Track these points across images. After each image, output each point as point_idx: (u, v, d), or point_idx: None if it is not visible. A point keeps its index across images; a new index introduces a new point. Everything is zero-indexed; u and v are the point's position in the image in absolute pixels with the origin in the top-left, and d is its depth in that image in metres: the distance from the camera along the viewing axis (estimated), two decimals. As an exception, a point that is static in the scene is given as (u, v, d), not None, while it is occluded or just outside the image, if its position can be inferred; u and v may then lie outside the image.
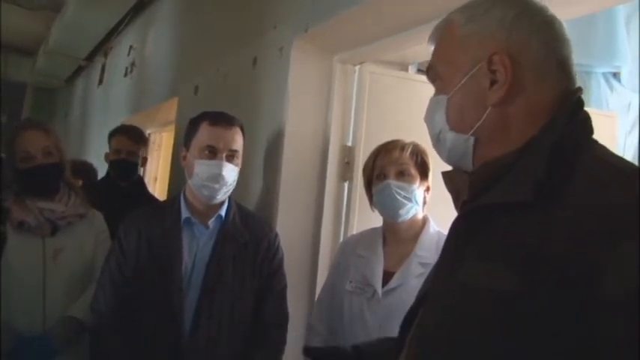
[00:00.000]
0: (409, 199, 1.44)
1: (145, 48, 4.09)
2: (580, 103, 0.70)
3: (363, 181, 1.58)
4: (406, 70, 2.02)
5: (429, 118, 0.79)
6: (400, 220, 1.46)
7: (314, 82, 1.91)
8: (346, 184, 1.92)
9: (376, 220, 1.58)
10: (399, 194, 1.43)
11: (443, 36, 0.78)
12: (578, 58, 2.43)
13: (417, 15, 1.52)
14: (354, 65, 1.95)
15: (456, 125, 0.74)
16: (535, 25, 0.70)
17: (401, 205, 1.44)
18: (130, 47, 4.49)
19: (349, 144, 1.93)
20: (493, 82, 0.70)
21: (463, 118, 0.73)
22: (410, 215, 1.46)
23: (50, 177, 1.65)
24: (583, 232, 0.56)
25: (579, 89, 0.72)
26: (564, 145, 0.64)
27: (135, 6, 4.36)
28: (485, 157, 0.72)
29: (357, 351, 0.99)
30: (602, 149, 0.67)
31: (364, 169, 1.56)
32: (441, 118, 0.76)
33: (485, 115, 0.71)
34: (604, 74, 2.47)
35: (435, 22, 0.80)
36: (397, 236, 1.51)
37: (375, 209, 1.53)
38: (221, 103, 2.23)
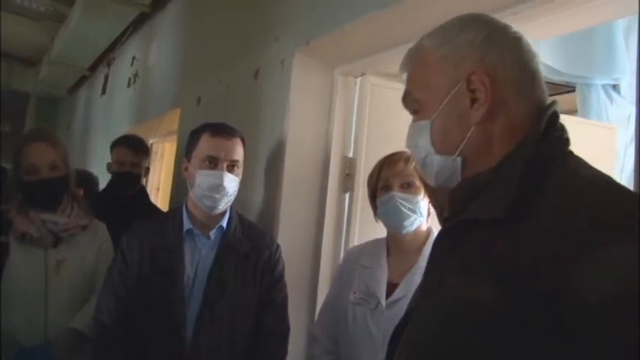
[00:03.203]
0: (414, 211, 1.44)
1: (147, 59, 4.12)
2: (555, 116, 0.71)
3: (367, 192, 1.58)
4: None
5: (413, 144, 0.79)
6: (404, 231, 1.46)
7: (315, 93, 1.93)
8: (347, 195, 1.92)
9: (377, 232, 1.59)
10: (404, 206, 1.44)
11: (416, 62, 0.79)
12: (578, 71, 2.44)
13: (417, 28, 1.53)
14: (355, 77, 1.96)
15: (441, 148, 0.75)
16: (506, 43, 0.73)
17: (405, 217, 1.44)
18: (133, 58, 4.53)
19: (350, 155, 1.93)
20: (474, 101, 0.71)
21: (448, 140, 0.74)
22: (414, 227, 1.47)
23: (54, 191, 1.66)
24: (552, 244, 0.57)
25: (554, 102, 0.73)
26: (538, 160, 0.66)
27: (138, 17, 4.41)
28: (471, 175, 0.73)
29: None
30: (577, 162, 0.68)
31: (369, 181, 1.56)
32: (425, 142, 0.76)
33: (468, 134, 0.72)
34: (604, 86, 2.49)
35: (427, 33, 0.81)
36: (401, 247, 1.51)
37: (379, 220, 1.53)
38: (223, 114, 2.24)
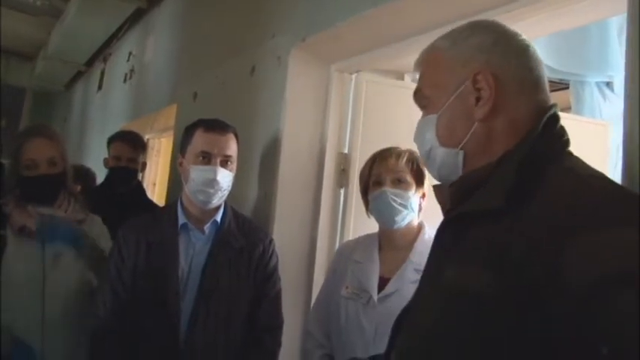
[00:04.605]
0: (405, 206, 1.46)
1: (144, 54, 4.11)
2: (555, 118, 0.75)
3: (359, 188, 1.60)
4: (402, 78, 2.05)
5: (420, 138, 0.84)
6: (396, 226, 1.48)
7: (311, 90, 1.94)
8: (342, 191, 1.94)
9: (372, 227, 1.60)
10: (395, 201, 1.45)
11: (429, 61, 0.84)
12: (572, 68, 2.45)
13: (412, 26, 1.55)
14: (351, 74, 1.97)
15: (445, 141, 0.79)
16: (513, 48, 0.77)
17: (397, 212, 1.46)
18: (130, 53, 4.52)
19: (345, 151, 1.95)
20: (478, 99, 0.75)
21: (452, 134, 0.79)
22: (406, 222, 1.48)
23: (52, 186, 1.67)
24: (541, 232, 0.61)
25: (554, 105, 0.77)
26: (535, 157, 0.69)
27: (134, 13, 4.40)
28: (471, 170, 0.77)
29: None
30: (574, 161, 0.72)
31: (361, 176, 1.58)
32: (431, 136, 0.81)
33: (472, 129, 0.76)
34: (597, 84, 2.50)
35: (430, 33, 0.86)
36: (393, 243, 1.52)
37: (371, 216, 1.55)
38: (219, 110, 2.25)
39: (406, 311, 0.84)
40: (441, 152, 0.80)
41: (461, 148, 0.77)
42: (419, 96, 0.85)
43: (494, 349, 0.61)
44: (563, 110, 2.52)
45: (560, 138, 0.75)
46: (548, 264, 0.58)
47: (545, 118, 0.73)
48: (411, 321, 0.78)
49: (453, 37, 0.81)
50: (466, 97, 0.76)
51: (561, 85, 2.69)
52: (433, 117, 0.80)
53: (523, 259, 0.60)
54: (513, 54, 0.76)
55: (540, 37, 1.79)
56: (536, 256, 0.59)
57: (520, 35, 0.80)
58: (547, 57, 2.40)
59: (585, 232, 0.58)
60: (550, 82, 2.88)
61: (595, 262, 0.56)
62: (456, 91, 0.77)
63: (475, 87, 0.75)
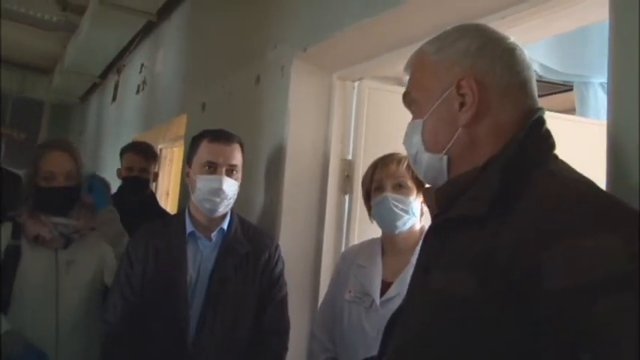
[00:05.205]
0: (406, 211, 1.48)
1: (155, 66, 4.19)
2: (540, 121, 0.75)
3: (361, 193, 1.62)
4: (403, 85, 2.07)
5: (407, 142, 0.85)
6: (398, 231, 1.49)
7: (314, 98, 1.97)
8: (347, 197, 1.97)
9: (376, 231, 1.62)
10: (397, 206, 1.47)
11: (416, 65, 0.85)
12: (575, 70, 2.43)
13: (412, 32, 1.57)
14: (353, 81, 2.00)
15: (430, 146, 0.81)
16: (498, 52, 0.77)
17: (398, 217, 1.48)
18: (142, 65, 4.61)
19: (349, 158, 1.98)
20: (462, 105, 0.76)
21: (437, 139, 0.80)
22: (407, 227, 1.50)
23: (67, 199, 1.73)
24: (523, 237, 0.62)
25: (541, 109, 0.77)
26: (519, 162, 0.70)
27: (145, 25, 4.49)
28: (457, 174, 0.78)
29: None
30: (560, 165, 0.72)
31: (363, 182, 1.60)
32: (417, 140, 0.82)
33: (456, 135, 0.77)
34: (601, 84, 2.48)
35: (429, 39, 0.87)
36: (395, 247, 1.54)
37: (373, 221, 1.57)
38: (226, 120, 2.30)
39: (399, 313, 0.85)
40: (426, 157, 0.81)
41: (445, 153, 0.78)
42: (407, 99, 0.87)
43: (483, 354, 0.62)
44: (567, 112, 2.50)
45: (546, 141, 0.75)
46: (534, 267, 0.59)
47: (530, 122, 0.74)
48: (403, 324, 0.80)
49: (440, 41, 0.82)
50: (450, 103, 0.77)
51: (565, 87, 2.68)
52: (419, 122, 0.81)
53: (509, 263, 0.61)
54: (499, 58, 0.76)
55: (536, 41, 1.79)
56: (521, 260, 0.60)
57: (507, 38, 0.79)
58: (550, 59, 2.40)
59: (570, 236, 0.58)
60: (553, 84, 2.87)
61: (578, 267, 0.56)
62: (441, 97, 0.78)
63: (459, 93, 0.76)
